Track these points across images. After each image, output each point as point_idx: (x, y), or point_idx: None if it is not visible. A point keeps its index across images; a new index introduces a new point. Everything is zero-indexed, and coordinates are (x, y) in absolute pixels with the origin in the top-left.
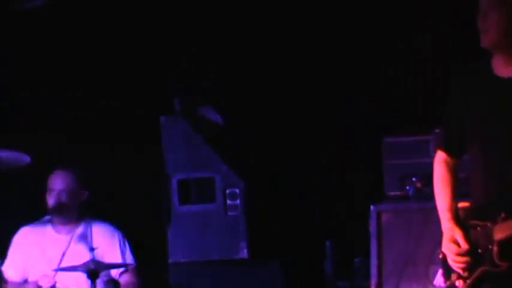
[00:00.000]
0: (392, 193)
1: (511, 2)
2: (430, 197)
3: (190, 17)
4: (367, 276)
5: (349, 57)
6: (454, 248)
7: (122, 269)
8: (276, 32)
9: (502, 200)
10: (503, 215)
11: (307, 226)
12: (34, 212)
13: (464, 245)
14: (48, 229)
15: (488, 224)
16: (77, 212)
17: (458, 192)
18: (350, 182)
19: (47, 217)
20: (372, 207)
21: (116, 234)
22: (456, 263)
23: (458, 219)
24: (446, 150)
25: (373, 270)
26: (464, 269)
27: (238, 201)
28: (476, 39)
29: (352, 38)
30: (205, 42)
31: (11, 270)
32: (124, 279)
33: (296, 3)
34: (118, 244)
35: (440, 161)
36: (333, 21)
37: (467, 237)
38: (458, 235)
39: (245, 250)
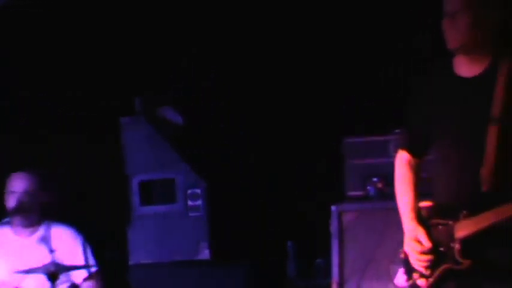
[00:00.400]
0: (353, 193)
1: (478, 3)
2: (391, 197)
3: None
4: (328, 276)
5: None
6: (417, 246)
7: (85, 275)
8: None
9: (464, 198)
10: (464, 212)
11: (269, 226)
12: None
13: (428, 244)
14: (7, 231)
15: (450, 222)
16: (37, 214)
17: (419, 191)
18: (311, 182)
19: (6, 219)
20: (333, 207)
21: (77, 237)
22: (419, 261)
23: (420, 218)
24: (409, 150)
25: (335, 270)
26: (426, 268)
27: (199, 202)
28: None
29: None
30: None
31: None
32: (86, 285)
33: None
34: (79, 247)
35: (402, 160)
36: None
37: (429, 236)
38: (421, 234)
39: (207, 251)
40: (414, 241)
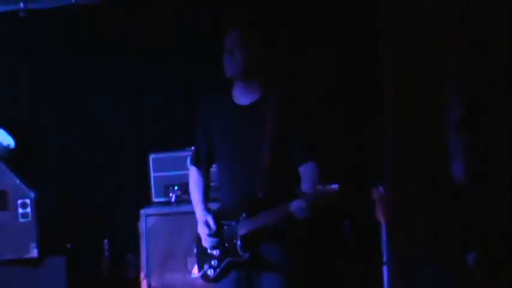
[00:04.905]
0: (158, 199)
1: (252, 43)
2: (188, 202)
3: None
4: (137, 269)
5: None
6: (206, 229)
7: None
8: None
9: (243, 203)
10: (244, 215)
11: (89, 228)
12: None
13: (214, 226)
14: None
15: (233, 223)
16: None
17: (209, 194)
18: (123, 190)
19: None
20: (141, 211)
21: None
22: (208, 242)
23: (211, 211)
24: (196, 166)
25: (143, 264)
26: (213, 247)
27: (29, 210)
28: None
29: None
30: None
31: None
32: None
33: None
34: None
35: (193, 173)
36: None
37: (217, 222)
38: (210, 218)
39: (35, 250)
40: (204, 225)
